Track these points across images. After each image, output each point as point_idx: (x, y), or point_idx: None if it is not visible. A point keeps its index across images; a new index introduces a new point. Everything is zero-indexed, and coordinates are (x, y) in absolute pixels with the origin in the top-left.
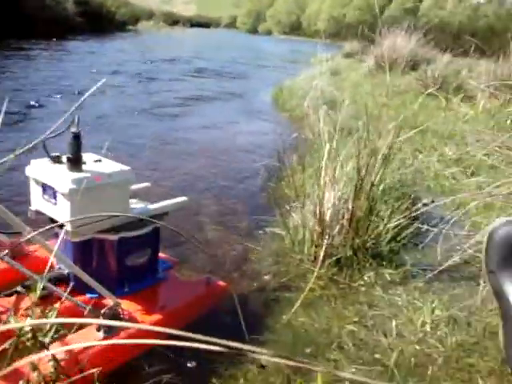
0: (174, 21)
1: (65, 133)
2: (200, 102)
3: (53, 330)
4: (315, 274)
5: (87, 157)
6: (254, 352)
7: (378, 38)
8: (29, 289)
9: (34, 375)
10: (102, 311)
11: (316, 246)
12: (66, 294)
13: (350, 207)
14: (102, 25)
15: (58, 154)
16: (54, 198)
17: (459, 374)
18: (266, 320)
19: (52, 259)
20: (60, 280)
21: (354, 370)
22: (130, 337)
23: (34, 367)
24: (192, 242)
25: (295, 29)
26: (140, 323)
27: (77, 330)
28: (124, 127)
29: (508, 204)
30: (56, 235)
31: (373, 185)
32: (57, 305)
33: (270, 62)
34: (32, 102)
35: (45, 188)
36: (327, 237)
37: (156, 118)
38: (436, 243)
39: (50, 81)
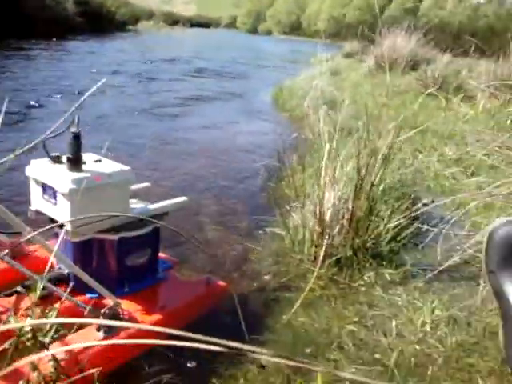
0: (173, 21)
1: (65, 133)
2: (200, 101)
3: (53, 330)
4: (315, 273)
5: (87, 157)
6: (253, 352)
7: (378, 38)
8: (29, 289)
9: (34, 375)
10: (102, 311)
11: (316, 246)
12: (66, 294)
13: (350, 207)
14: (102, 25)
15: (58, 154)
16: (54, 197)
17: (459, 373)
18: (266, 320)
19: (52, 259)
20: (60, 280)
21: (354, 369)
22: (129, 337)
23: (34, 367)
24: (192, 241)
25: (295, 29)
26: (140, 323)
27: (77, 330)
28: (124, 127)
29: (508, 204)
30: (56, 235)
31: (373, 185)
32: (57, 305)
33: (270, 62)
34: (32, 102)
35: (45, 188)
36: (327, 237)
37: (156, 117)
38: (436, 243)
39: (50, 81)
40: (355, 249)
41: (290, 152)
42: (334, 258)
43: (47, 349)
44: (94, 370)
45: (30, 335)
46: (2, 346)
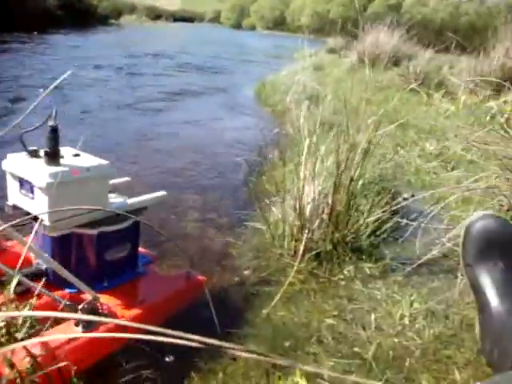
0: (156, 15)
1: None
2: (183, 96)
3: (27, 325)
4: (295, 268)
5: (65, 151)
6: (228, 348)
7: (361, 33)
8: (3, 284)
9: (8, 371)
10: (80, 306)
11: (296, 241)
12: (42, 289)
13: (330, 202)
14: (84, 19)
15: (35, 147)
16: (32, 192)
17: (436, 365)
18: (246, 314)
19: (31, 254)
20: (38, 275)
21: (332, 363)
22: (109, 331)
23: (9, 362)
24: (166, 238)
25: (279, 24)
26: (119, 318)
27: (55, 326)
28: (107, 121)
29: (486, 198)
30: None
31: (352, 179)
32: (33, 300)
33: (254, 57)
34: (13, 96)
35: (22, 182)
36: (307, 231)
37: (139, 112)
38: (416, 237)
39: (31, 74)
40: (335, 243)
41: (272, 147)
42: (314, 253)
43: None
44: (66, 365)
45: (4, 331)
46: None
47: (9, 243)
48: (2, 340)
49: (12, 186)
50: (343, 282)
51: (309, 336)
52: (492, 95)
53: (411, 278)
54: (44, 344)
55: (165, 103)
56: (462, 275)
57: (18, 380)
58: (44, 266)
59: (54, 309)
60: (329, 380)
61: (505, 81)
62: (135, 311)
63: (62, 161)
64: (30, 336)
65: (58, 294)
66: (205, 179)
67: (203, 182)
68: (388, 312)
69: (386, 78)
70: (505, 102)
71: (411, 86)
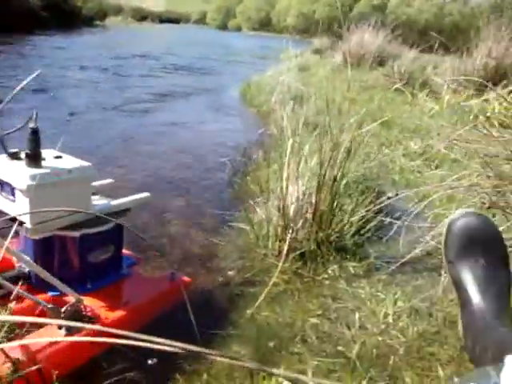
0: (142, 16)
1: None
2: (169, 97)
3: (4, 329)
4: (279, 268)
5: (47, 153)
6: (200, 352)
7: (346, 34)
8: None
9: None
10: (63, 309)
11: (280, 241)
12: (23, 292)
13: (314, 201)
14: (69, 20)
15: (16, 150)
16: (13, 194)
17: (420, 362)
18: (230, 315)
19: (13, 258)
20: (21, 279)
21: (316, 362)
22: (94, 334)
23: None
24: (145, 240)
25: (265, 25)
26: (103, 320)
27: (37, 329)
28: (92, 123)
29: (468, 196)
30: (18, 234)
31: (335, 179)
32: (12, 304)
33: (240, 58)
34: None
35: (2, 185)
36: (291, 231)
37: (125, 114)
38: (400, 236)
39: (15, 76)
40: (319, 242)
41: (257, 147)
42: (298, 252)
43: None
44: (52, 369)
45: None
46: None
47: None
48: None
49: None
50: (327, 282)
51: (293, 336)
52: (475, 94)
53: (395, 277)
54: (25, 347)
55: (151, 104)
56: (445, 273)
57: None
58: (27, 269)
59: (38, 312)
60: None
61: (487, 80)
62: (119, 313)
63: (43, 163)
64: (9, 339)
65: (40, 297)
66: (189, 180)
67: (188, 183)
68: (372, 311)
69: (371, 78)
70: (486, 100)
71: (396, 86)
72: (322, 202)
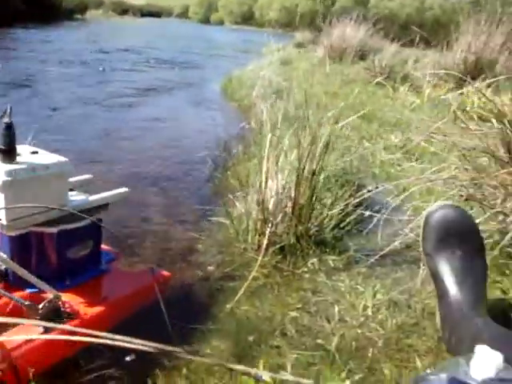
0: (123, 10)
1: None
2: (152, 92)
3: None
4: (258, 262)
5: (23, 149)
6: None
7: (328, 28)
8: None
9: None
10: (41, 305)
11: (259, 235)
12: (0, 290)
13: (293, 195)
14: (48, 13)
15: None
16: None
17: (398, 354)
18: (210, 309)
19: None
20: None
21: (296, 355)
22: (69, 333)
23: None
24: (117, 237)
25: (247, 19)
26: (82, 316)
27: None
28: (74, 117)
29: (447, 188)
30: None
31: (314, 172)
32: None
33: (222, 52)
34: None
35: None
36: (270, 225)
37: (107, 108)
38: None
39: None
40: (298, 236)
41: (237, 142)
42: (278, 246)
43: None
44: (28, 367)
45: None
46: None
47: None
48: None
49: None
50: (307, 275)
51: (272, 329)
52: (455, 88)
53: (375, 270)
54: None
55: (133, 99)
56: (423, 265)
57: None
58: (3, 267)
59: (15, 310)
60: (292, 372)
61: (466, 75)
62: (98, 309)
63: (18, 158)
64: None
65: (18, 294)
66: (169, 175)
67: (168, 177)
68: (351, 304)
69: (353, 72)
70: (463, 93)
71: (377, 80)
72: (301, 196)
